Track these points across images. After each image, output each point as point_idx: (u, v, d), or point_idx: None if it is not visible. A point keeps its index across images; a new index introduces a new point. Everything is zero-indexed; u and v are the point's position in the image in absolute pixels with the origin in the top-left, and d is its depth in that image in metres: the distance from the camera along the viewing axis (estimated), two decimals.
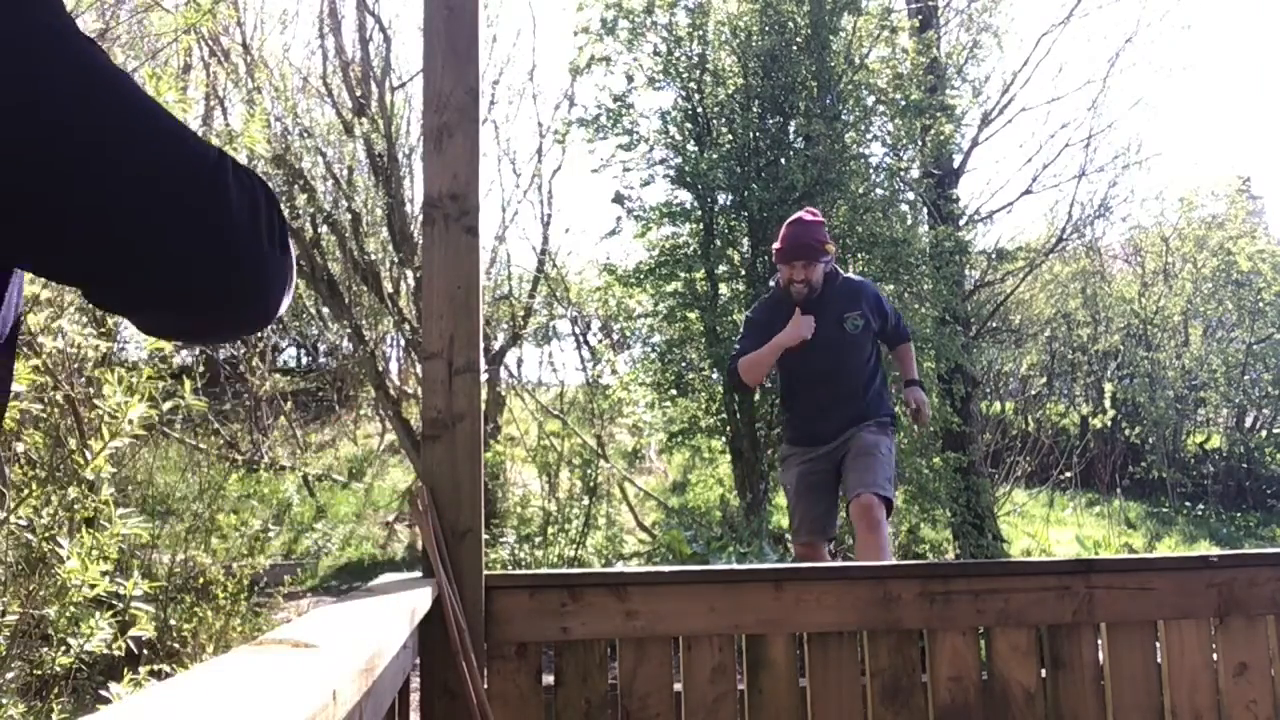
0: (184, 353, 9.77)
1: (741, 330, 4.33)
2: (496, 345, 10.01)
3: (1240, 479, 12.82)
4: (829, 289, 4.00)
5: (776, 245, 4.01)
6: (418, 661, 2.06)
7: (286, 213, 7.16)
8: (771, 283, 4.16)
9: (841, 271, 4.16)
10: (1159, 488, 12.61)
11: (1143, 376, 12.99)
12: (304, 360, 14.21)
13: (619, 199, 8.23)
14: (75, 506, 3.16)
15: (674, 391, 8.26)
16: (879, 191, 8.32)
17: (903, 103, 8.19)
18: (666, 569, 2.34)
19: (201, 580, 5.09)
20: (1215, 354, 13.17)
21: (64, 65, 0.67)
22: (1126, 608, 2.33)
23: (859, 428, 3.98)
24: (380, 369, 8.74)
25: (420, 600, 1.81)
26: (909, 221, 8.82)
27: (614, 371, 9.12)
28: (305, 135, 8.19)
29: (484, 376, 5.42)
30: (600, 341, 11.73)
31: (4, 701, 3.03)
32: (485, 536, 2.87)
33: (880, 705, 2.25)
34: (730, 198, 7.90)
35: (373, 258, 8.38)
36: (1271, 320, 13.06)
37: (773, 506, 8.53)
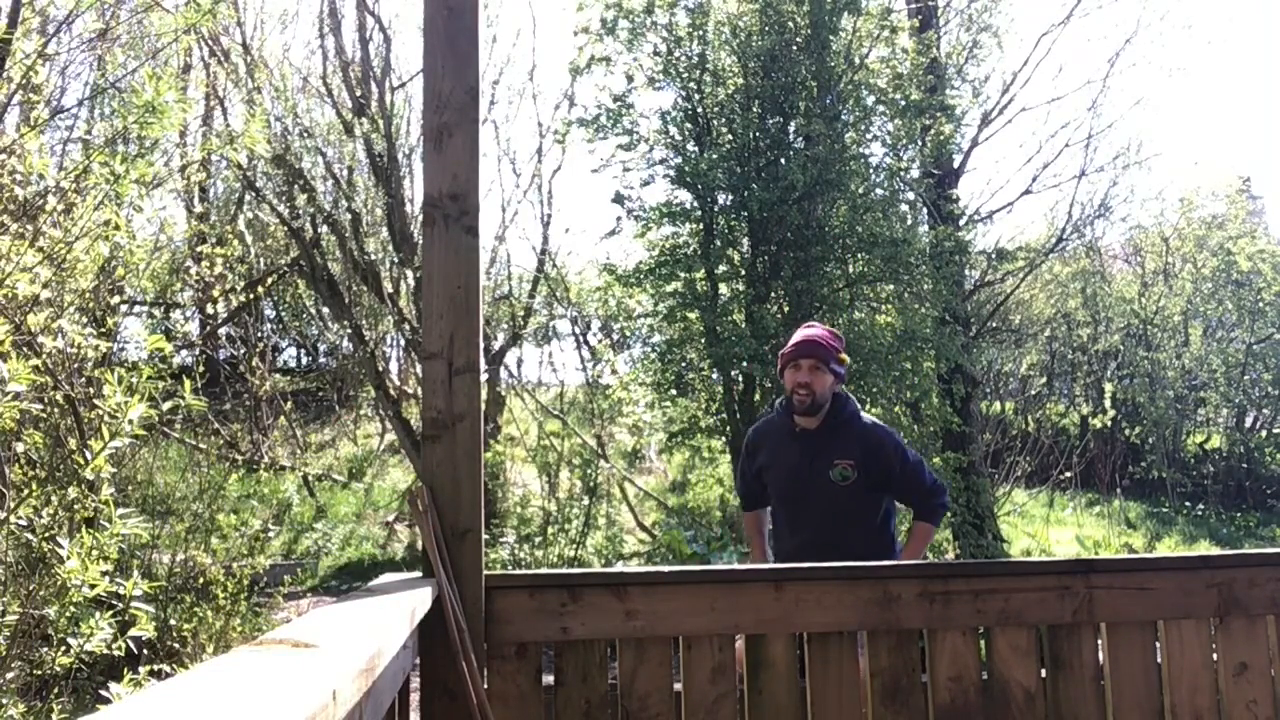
0: (184, 353, 9.77)
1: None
2: (496, 345, 10.02)
3: (1240, 479, 12.83)
4: (832, 421, 3.33)
5: (784, 349, 3.43)
6: (418, 661, 2.06)
7: (286, 213, 7.09)
8: (776, 401, 3.56)
9: (862, 413, 3.43)
10: (1159, 488, 12.61)
11: (1143, 376, 12.99)
12: (304, 360, 14.22)
13: (619, 199, 8.24)
14: (75, 506, 3.16)
15: (674, 391, 8.26)
16: (879, 191, 8.32)
17: (903, 103, 8.19)
18: (666, 569, 2.34)
19: (201, 580, 5.09)
20: (1215, 354, 13.18)
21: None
22: (1126, 608, 2.33)
23: None
24: (380, 369, 8.74)
25: (420, 600, 1.81)
26: (909, 221, 8.82)
27: (614, 371, 9.12)
28: (305, 135, 8.19)
29: (484, 376, 5.42)
30: (600, 341, 11.73)
31: (4, 701, 3.03)
32: (485, 536, 2.86)
33: (880, 705, 2.24)
34: (730, 198, 7.90)
35: (373, 258, 8.38)
36: (1271, 320, 13.07)
37: None
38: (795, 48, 7.82)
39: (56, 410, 4.01)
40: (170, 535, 5.75)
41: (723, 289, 8.02)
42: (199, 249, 7.29)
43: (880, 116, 8.44)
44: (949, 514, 8.34)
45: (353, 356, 11.09)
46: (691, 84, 7.97)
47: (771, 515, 3.60)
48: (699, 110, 7.98)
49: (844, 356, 3.38)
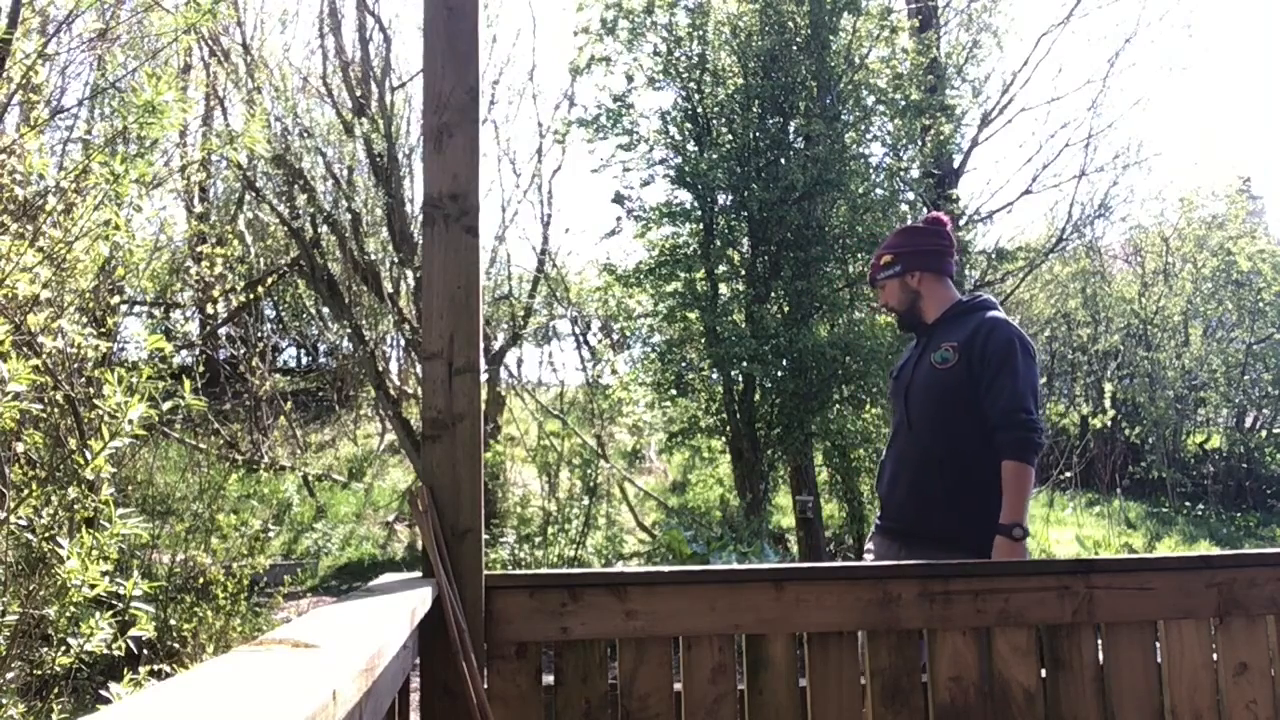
0: (184, 353, 9.77)
1: None
2: (496, 345, 10.02)
3: (1240, 479, 12.82)
4: (952, 311, 3.00)
5: None
6: (418, 661, 2.06)
7: (286, 213, 7.08)
8: None
9: (996, 310, 2.96)
10: (1159, 488, 12.61)
11: (1143, 376, 12.99)
12: (304, 360, 14.22)
13: (619, 199, 8.24)
14: (75, 506, 3.16)
15: (674, 391, 8.26)
16: (879, 191, 8.32)
17: (902, 103, 8.19)
18: (666, 569, 2.33)
19: (201, 580, 5.09)
20: (1215, 354, 13.17)
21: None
22: (1126, 608, 2.33)
23: (922, 545, 2.78)
24: (380, 369, 8.73)
25: (420, 600, 1.81)
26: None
27: (614, 371, 9.12)
28: (305, 135, 8.19)
29: (484, 376, 5.42)
30: (600, 341, 11.74)
31: (4, 701, 3.03)
32: (485, 536, 2.86)
33: (880, 705, 2.24)
34: (730, 198, 7.91)
35: (373, 258, 8.38)
36: (1271, 320, 13.07)
37: (773, 507, 8.53)
38: (795, 48, 7.82)
39: (56, 410, 4.00)
40: (170, 535, 5.75)
41: (723, 289, 8.02)
42: (199, 249, 7.29)
43: (880, 116, 8.45)
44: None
45: (353, 356, 11.09)
46: (691, 84, 7.97)
47: None
48: (699, 110, 7.99)
49: (887, 259, 3.07)
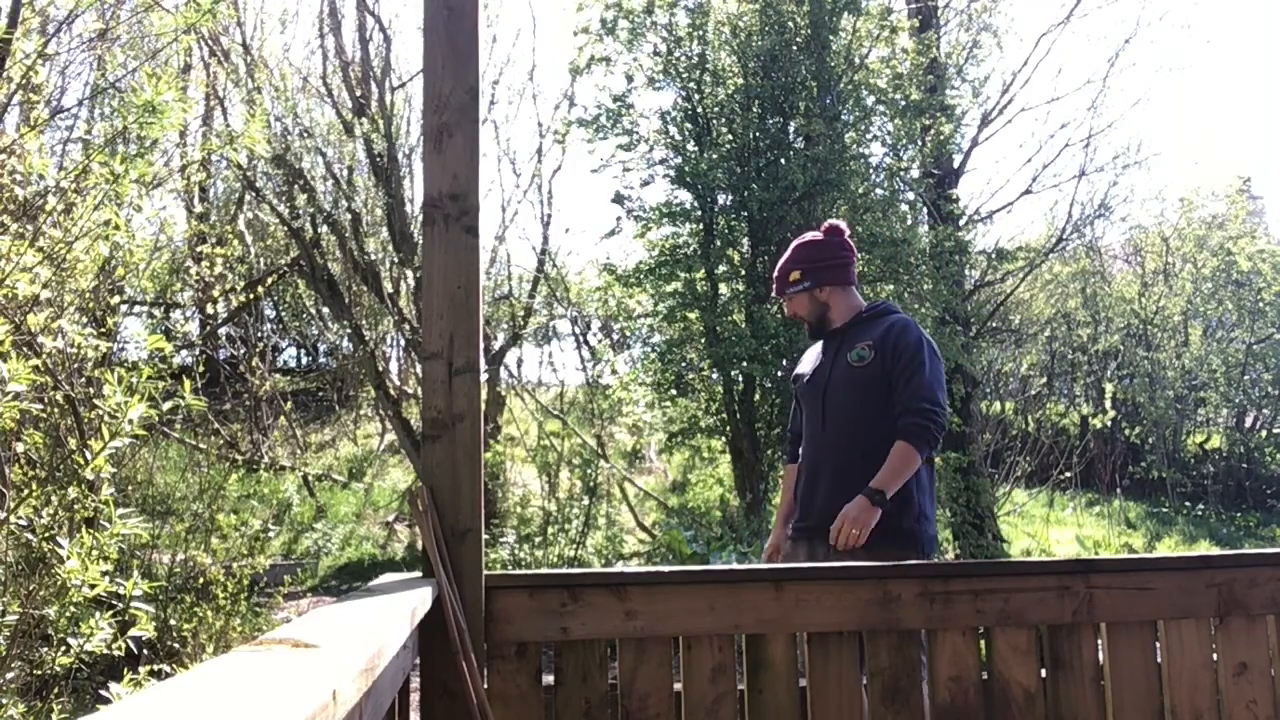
0: (184, 353, 9.77)
1: None
2: (496, 345, 10.02)
3: (1240, 479, 12.82)
4: (861, 315, 3.13)
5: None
6: (418, 661, 2.06)
7: (286, 213, 7.07)
8: None
9: (894, 310, 3.16)
10: (1159, 488, 12.61)
11: (1143, 376, 12.99)
12: (304, 360, 14.22)
13: (619, 199, 8.24)
14: (75, 506, 3.16)
15: (674, 391, 8.27)
16: (879, 191, 8.32)
17: (902, 103, 8.19)
18: (666, 569, 2.33)
19: (201, 580, 5.08)
20: (1215, 354, 13.17)
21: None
22: (1126, 608, 2.33)
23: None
24: (380, 369, 8.73)
25: (420, 600, 1.81)
26: (909, 221, 8.82)
27: (614, 371, 9.12)
28: (305, 135, 8.19)
29: (484, 376, 5.42)
30: (600, 341, 11.74)
31: (4, 701, 3.03)
32: (485, 536, 2.86)
33: (880, 705, 2.24)
34: (730, 198, 7.91)
35: (373, 258, 8.38)
36: (1271, 320, 13.07)
37: (772, 506, 8.51)
38: (795, 48, 7.82)
39: (56, 410, 4.00)
40: (170, 535, 5.75)
41: (723, 289, 8.02)
42: (199, 249, 7.29)
43: (880, 116, 8.45)
44: (949, 514, 8.35)
45: (353, 356, 11.09)
46: (691, 84, 7.97)
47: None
48: (699, 110, 7.99)
49: (796, 275, 3.13)
